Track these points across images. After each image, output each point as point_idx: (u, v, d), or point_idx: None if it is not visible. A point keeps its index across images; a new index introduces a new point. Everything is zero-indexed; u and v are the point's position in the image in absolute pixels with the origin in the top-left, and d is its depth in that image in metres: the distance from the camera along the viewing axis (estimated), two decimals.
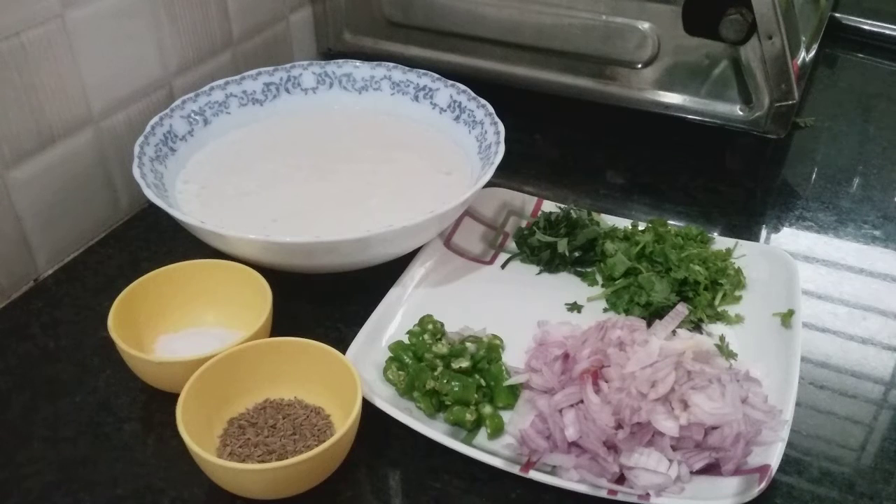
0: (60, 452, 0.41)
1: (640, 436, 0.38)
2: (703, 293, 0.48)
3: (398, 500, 0.40)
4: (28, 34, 0.48)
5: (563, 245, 0.52)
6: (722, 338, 0.46)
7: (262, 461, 0.39)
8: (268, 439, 0.40)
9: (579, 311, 0.50)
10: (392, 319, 0.47)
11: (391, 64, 0.62)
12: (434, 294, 0.50)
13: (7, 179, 0.49)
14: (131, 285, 0.45)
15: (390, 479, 0.41)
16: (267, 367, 0.42)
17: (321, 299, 0.51)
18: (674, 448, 0.38)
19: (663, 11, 0.61)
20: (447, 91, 0.59)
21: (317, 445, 0.37)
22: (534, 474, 0.38)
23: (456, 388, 0.42)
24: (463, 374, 0.43)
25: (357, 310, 0.48)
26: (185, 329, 0.47)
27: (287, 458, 0.38)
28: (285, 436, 0.40)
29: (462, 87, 0.59)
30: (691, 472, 0.38)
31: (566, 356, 0.42)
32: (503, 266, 0.53)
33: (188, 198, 0.53)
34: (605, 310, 0.50)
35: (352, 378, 0.40)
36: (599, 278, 0.52)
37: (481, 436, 0.41)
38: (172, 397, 0.44)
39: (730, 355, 0.45)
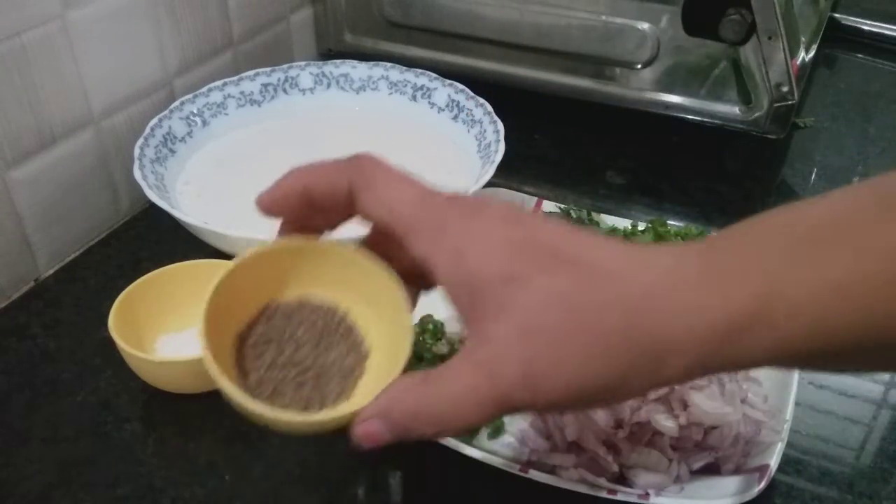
0: (61, 452, 0.41)
1: (639, 435, 0.38)
2: None
3: (398, 500, 0.40)
4: (28, 35, 0.48)
5: None
6: None
7: (300, 383, 0.31)
8: (295, 355, 0.32)
9: None
10: None
11: (388, 64, 0.62)
12: (434, 294, 0.50)
13: (7, 179, 0.49)
14: (132, 285, 0.45)
15: (390, 478, 0.41)
16: (269, 274, 0.34)
17: None
18: (673, 448, 0.38)
19: (663, 12, 0.61)
20: (445, 90, 0.60)
21: (356, 349, 0.32)
22: (533, 474, 0.38)
23: None
24: None
25: None
26: (185, 329, 0.47)
27: (329, 372, 0.31)
28: (312, 346, 0.33)
29: (460, 86, 0.59)
30: (691, 472, 0.39)
31: None
32: None
33: (189, 199, 0.53)
34: None
35: (364, 262, 0.32)
36: None
37: (481, 435, 0.41)
38: (173, 397, 0.44)
39: None
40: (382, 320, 0.32)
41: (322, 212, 0.31)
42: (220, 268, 0.47)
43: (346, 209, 0.30)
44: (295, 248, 0.32)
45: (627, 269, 0.27)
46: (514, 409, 0.27)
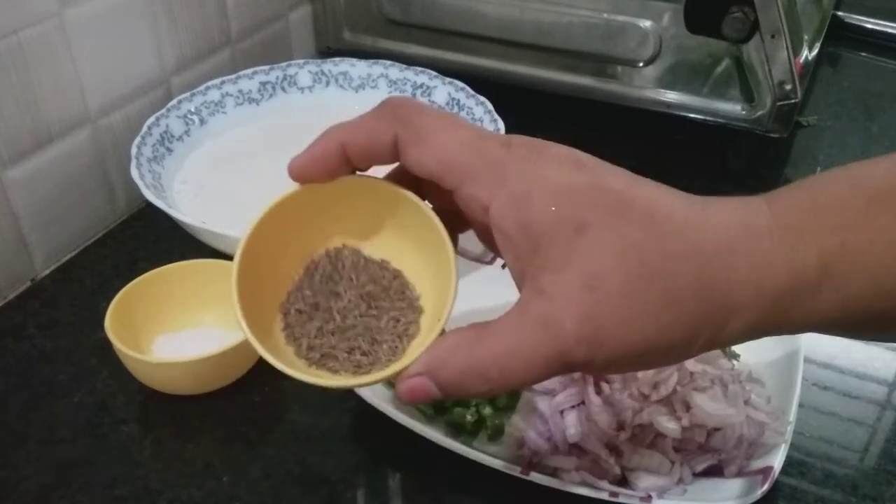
0: (57, 454, 0.41)
1: (641, 437, 0.38)
2: None
3: (398, 501, 0.39)
4: (25, 33, 0.48)
5: None
6: None
7: (351, 348, 0.29)
8: (345, 321, 0.30)
9: None
10: None
11: (388, 62, 0.62)
12: None
13: (4, 179, 0.49)
14: (129, 285, 0.45)
15: (390, 479, 0.40)
16: (305, 220, 0.30)
17: None
18: (676, 450, 0.38)
19: (665, 9, 0.61)
20: (445, 88, 0.59)
21: (410, 309, 0.29)
22: (534, 476, 0.38)
23: None
24: None
25: None
26: (183, 330, 0.46)
27: (381, 336, 0.29)
28: (363, 310, 0.30)
29: (460, 84, 0.59)
30: (693, 474, 0.38)
31: None
32: (504, 266, 0.53)
33: (186, 198, 0.53)
34: None
35: (404, 199, 0.29)
36: None
37: (482, 437, 0.41)
38: (170, 398, 0.44)
39: (732, 356, 0.45)
40: (429, 264, 0.30)
41: (359, 168, 0.29)
42: (219, 267, 0.47)
43: (388, 162, 0.28)
44: (328, 190, 0.29)
45: (699, 219, 0.26)
46: (570, 367, 0.25)
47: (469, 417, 0.41)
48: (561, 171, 0.26)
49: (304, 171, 0.28)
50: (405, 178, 0.29)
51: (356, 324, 0.30)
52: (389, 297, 0.30)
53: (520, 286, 0.27)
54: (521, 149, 0.27)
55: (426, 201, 0.29)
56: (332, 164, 0.28)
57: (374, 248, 0.31)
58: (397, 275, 0.30)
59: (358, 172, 0.29)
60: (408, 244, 0.30)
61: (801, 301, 0.25)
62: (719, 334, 0.25)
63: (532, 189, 0.26)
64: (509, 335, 0.26)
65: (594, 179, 0.26)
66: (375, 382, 0.28)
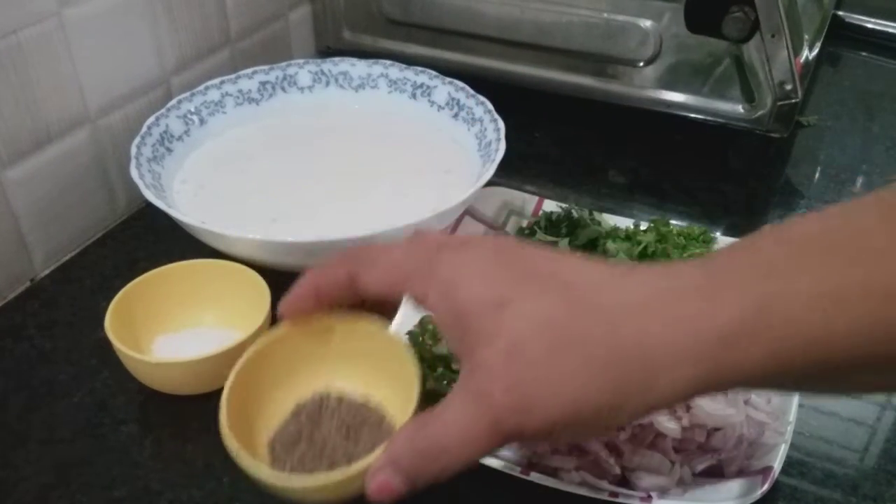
0: (57, 454, 0.41)
1: (641, 437, 0.38)
2: None
3: (398, 501, 0.39)
4: (24, 32, 0.48)
5: (564, 245, 0.52)
6: None
7: (331, 466, 0.33)
8: (325, 448, 0.33)
9: None
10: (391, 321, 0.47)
11: (388, 61, 0.62)
12: None
13: (3, 179, 0.49)
14: (129, 285, 0.45)
15: None
16: (285, 359, 0.35)
17: None
18: (676, 450, 0.38)
19: (665, 9, 0.61)
20: (445, 88, 0.59)
21: (387, 436, 0.32)
22: (535, 476, 0.38)
23: None
24: None
25: None
26: (183, 330, 0.46)
27: (359, 458, 0.31)
28: (342, 438, 0.34)
29: (460, 84, 0.59)
30: (693, 474, 0.38)
31: None
32: None
33: (186, 198, 0.53)
34: None
35: (403, 358, 0.33)
36: None
37: None
38: (170, 398, 0.44)
39: None
40: (398, 378, 0.33)
41: (332, 304, 0.33)
42: (218, 267, 0.47)
43: (351, 297, 0.32)
44: (311, 326, 0.34)
45: (616, 284, 0.27)
46: (508, 436, 0.27)
47: None
48: (483, 258, 0.28)
49: (289, 311, 0.33)
50: (367, 304, 0.33)
51: (336, 450, 0.33)
52: (368, 426, 0.34)
53: (461, 365, 0.28)
54: (448, 244, 0.30)
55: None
56: (310, 304, 0.33)
57: (354, 376, 0.35)
58: (376, 409, 0.34)
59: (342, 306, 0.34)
60: (381, 364, 0.34)
61: (734, 353, 0.25)
62: (648, 396, 0.26)
63: (457, 278, 0.28)
64: (452, 412, 0.27)
65: (514, 260, 0.28)
66: (346, 478, 0.30)
